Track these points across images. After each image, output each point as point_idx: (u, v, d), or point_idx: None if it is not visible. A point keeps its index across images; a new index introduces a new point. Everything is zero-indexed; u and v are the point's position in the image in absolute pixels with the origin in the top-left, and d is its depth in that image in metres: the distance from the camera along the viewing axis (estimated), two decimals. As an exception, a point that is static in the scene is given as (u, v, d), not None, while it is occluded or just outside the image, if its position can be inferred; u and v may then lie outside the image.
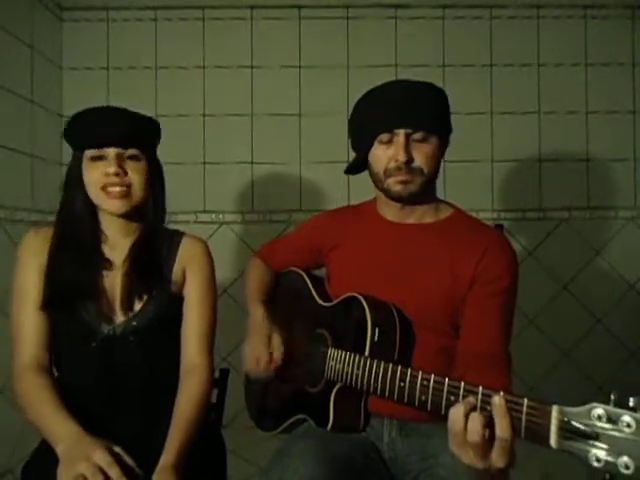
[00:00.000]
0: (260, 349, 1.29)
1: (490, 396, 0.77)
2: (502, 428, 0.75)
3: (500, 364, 1.13)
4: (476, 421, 0.77)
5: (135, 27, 2.52)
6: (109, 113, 1.21)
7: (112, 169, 1.16)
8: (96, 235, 1.24)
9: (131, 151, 1.19)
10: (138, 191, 1.21)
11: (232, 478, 1.33)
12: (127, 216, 1.24)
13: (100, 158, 1.18)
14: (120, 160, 1.18)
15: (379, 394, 1.05)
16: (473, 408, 0.79)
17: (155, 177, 1.26)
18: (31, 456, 1.18)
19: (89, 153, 1.18)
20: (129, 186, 1.19)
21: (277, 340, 1.30)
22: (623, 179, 2.57)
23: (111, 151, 1.17)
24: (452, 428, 0.80)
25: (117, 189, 1.17)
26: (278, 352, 1.29)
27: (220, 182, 2.53)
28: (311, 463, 1.07)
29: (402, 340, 1.16)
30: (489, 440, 0.77)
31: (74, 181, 1.21)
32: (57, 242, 1.21)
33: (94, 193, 1.19)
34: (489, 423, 0.77)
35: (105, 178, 1.17)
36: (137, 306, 1.22)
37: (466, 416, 0.79)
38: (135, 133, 1.20)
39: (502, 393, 0.76)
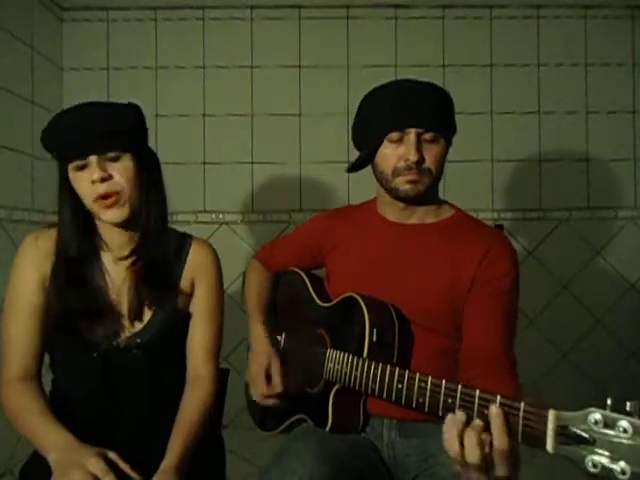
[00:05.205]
0: (259, 381, 1.29)
1: (487, 400, 0.77)
2: (500, 440, 0.74)
3: (506, 366, 1.12)
4: (472, 440, 0.77)
5: (135, 27, 2.52)
6: (81, 117, 1.12)
7: (95, 175, 1.10)
8: (95, 248, 1.20)
9: (111, 153, 1.12)
10: (130, 193, 1.14)
11: (232, 478, 1.33)
12: (126, 222, 1.17)
13: (84, 167, 1.12)
14: (103, 164, 1.11)
15: (377, 395, 1.05)
16: (466, 423, 0.79)
17: (147, 171, 1.18)
18: (30, 457, 1.17)
19: (72, 164, 1.13)
20: (119, 192, 1.12)
21: (275, 368, 1.29)
22: (623, 179, 2.57)
23: (92, 158, 1.11)
24: (449, 451, 0.80)
25: (109, 201, 1.12)
26: (277, 380, 1.27)
27: (220, 182, 2.53)
28: (310, 463, 1.07)
29: (401, 341, 1.15)
30: (490, 453, 0.77)
31: (64, 191, 1.17)
32: (57, 263, 1.16)
33: (88, 205, 1.14)
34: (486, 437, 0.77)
35: (94, 187, 1.11)
36: (144, 318, 1.18)
37: (460, 436, 0.79)
38: (113, 133, 1.11)
39: (498, 398, 0.76)
